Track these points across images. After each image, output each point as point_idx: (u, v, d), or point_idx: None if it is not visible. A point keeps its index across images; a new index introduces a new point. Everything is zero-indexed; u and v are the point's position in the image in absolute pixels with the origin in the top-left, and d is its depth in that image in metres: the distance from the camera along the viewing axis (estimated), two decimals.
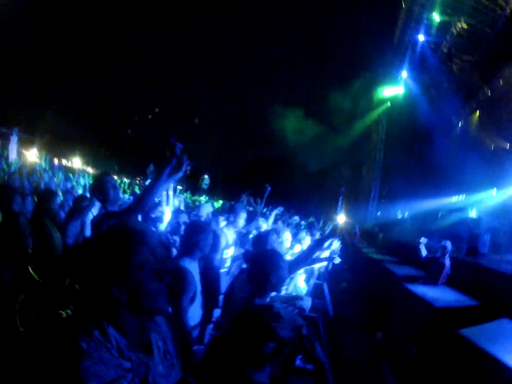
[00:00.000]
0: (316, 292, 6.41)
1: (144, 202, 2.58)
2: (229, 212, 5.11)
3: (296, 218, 11.45)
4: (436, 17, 13.35)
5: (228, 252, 4.40)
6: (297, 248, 5.73)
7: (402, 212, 16.73)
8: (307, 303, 3.37)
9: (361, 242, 16.65)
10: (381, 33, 15.87)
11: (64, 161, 17.28)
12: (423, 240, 7.20)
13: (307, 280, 5.29)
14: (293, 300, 2.95)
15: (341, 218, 24.06)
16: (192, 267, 2.87)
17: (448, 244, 6.67)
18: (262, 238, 3.35)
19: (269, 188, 6.79)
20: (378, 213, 21.17)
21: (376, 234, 17.65)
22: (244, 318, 1.82)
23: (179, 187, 9.01)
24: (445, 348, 3.76)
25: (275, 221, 6.76)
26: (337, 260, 6.85)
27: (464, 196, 14.19)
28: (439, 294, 5.65)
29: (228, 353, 1.70)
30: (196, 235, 2.96)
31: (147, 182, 4.36)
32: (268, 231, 3.88)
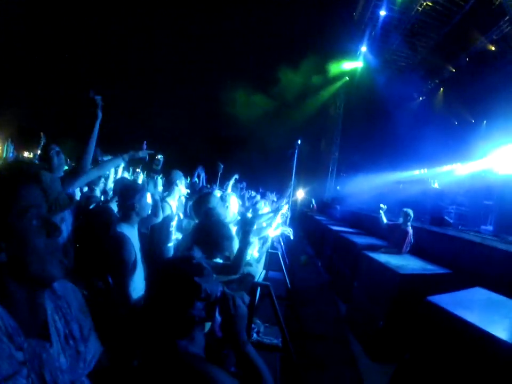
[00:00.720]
0: (272, 264, 6.26)
1: (83, 162, 2.62)
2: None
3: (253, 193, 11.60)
4: None
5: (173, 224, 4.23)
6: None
7: (362, 184, 16.78)
8: (256, 269, 3.34)
9: (319, 215, 16.57)
10: (342, 7, 15.49)
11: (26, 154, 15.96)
12: (383, 206, 7.02)
13: (260, 249, 5.09)
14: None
15: (299, 193, 24.17)
16: (131, 233, 2.70)
17: (410, 211, 6.56)
18: (202, 198, 3.37)
19: (222, 166, 6.81)
20: (338, 187, 21.32)
21: (335, 207, 17.68)
22: (163, 273, 1.52)
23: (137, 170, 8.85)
24: (414, 317, 3.48)
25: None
26: (290, 233, 6.83)
27: (426, 169, 14.44)
28: (404, 262, 5.43)
29: (153, 321, 1.46)
30: (131, 197, 2.83)
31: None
32: (207, 192, 3.90)
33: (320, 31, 16.36)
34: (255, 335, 3.97)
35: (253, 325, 3.94)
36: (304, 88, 19.55)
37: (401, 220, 6.60)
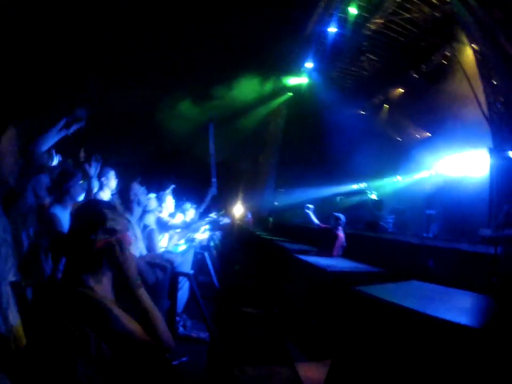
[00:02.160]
0: (204, 268, 6.50)
1: None
2: None
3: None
4: (353, 10, 13.25)
5: None
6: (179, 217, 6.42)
7: (299, 199, 17.16)
8: (176, 258, 3.43)
9: (254, 227, 16.76)
10: (291, 22, 15.64)
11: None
12: (310, 206, 7.17)
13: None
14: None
15: (237, 207, 24.28)
16: (63, 215, 2.91)
17: (341, 215, 6.68)
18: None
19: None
20: (276, 203, 21.63)
21: (268, 220, 17.97)
22: (78, 209, 1.67)
23: None
24: (346, 312, 3.54)
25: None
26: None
27: (365, 184, 14.94)
28: (334, 263, 5.43)
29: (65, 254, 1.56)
30: (66, 183, 3.10)
31: None
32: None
33: (265, 45, 16.34)
34: (181, 328, 3.93)
35: (178, 318, 3.91)
36: (245, 102, 19.45)
37: (331, 223, 6.68)
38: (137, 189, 3.53)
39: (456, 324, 2.20)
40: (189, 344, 3.65)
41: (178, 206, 6.96)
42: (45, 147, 3.51)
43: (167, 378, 1.58)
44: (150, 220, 4.16)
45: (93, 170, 3.80)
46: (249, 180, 23.73)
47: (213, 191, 7.49)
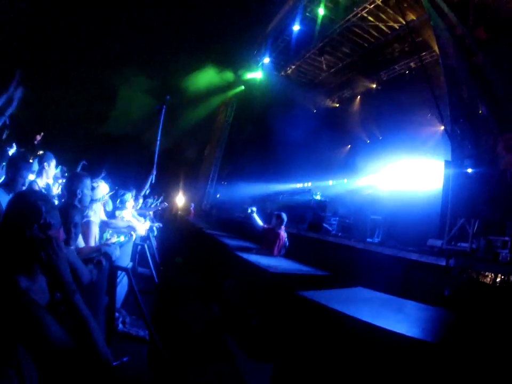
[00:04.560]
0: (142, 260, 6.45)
1: None
2: None
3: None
4: (321, 11, 13.21)
5: None
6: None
7: (242, 193, 17.19)
8: (115, 251, 3.29)
9: (196, 220, 16.57)
10: (255, 16, 15.31)
11: None
12: (254, 209, 7.15)
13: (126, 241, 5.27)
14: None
15: (180, 198, 23.89)
16: (4, 198, 3.01)
17: (283, 214, 6.61)
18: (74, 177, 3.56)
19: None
20: (218, 195, 21.52)
21: (210, 213, 17.87)
22: (12, 200, 1.56)
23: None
24: (288, 316, 3.43)
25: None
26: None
27: (310, 183, 15.11)
28: (276, 263, 5.34)
29: None
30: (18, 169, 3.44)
31: None
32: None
33: (225, 36, 15.97)
34: (120, 325, 3.78)
35: (117, 314, 3.76)
36: (197, 91, 19.02)
37: (273, 222, 6.63)
38: (81, 178, 3.40)
39: (410, 338, 2.16)
40: (128, 342, 3.52)
41: (118, 196, 6.66)
42: None
43: None
44: (96, 209, 3.97)
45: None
46: (193, 170, 23.43)
47: (151, 178, 7.31)
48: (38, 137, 7.60)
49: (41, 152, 5.72)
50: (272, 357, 3.57)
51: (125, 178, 9.43)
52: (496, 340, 2.41)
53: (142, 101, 17.75)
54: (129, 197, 6.50)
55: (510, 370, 1.98)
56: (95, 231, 3.84)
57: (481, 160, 6.95)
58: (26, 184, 3.76)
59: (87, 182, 3.43)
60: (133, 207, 7.13)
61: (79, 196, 3.27)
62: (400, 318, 2.62)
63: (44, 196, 1.64)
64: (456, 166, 7.20)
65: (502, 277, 4.96)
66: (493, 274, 5.06)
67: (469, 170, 6.93)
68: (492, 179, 6.62)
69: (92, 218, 3.78)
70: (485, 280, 5.13)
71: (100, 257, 2.99)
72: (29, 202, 1.47)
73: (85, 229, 3.56)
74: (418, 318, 2.78)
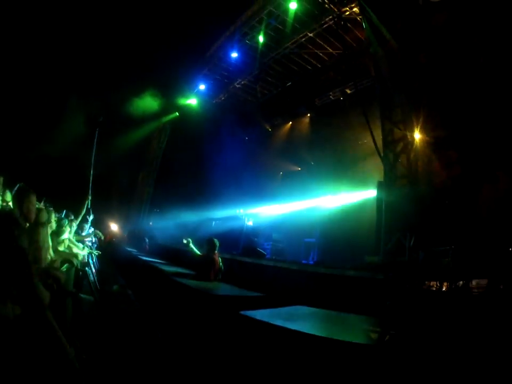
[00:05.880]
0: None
1: None
2: None
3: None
4: (261, 39, 13.39)
5: None
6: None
7: (174, 220, 17.19)
8: (62, 276, 3.37)
9: (130, 246, 16.31)
10: (194, 43, 15.16)
11: None
12: (188, 240, 7.12)
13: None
14: None
15: (113, 224, 23.14)
16: None
17: (215, 240, 6.78)
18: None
19: None
20: (151, 223, 21.21)
21: (144, 240, 17.66)
22: None
23: None
24: (232, 332, 3.51)
25: None
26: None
27: (242, 210, 15.29)
28: (213, 287, 5.59)
29: None
30: None
31: None
32: None
33: (162, 61, 15.86)
34: None
35: None
36: (132, 115, 18.58)
37: (206, 248, 6.81)
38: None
39: (354, 343, 2.33)
40: None
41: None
42: None
43: None
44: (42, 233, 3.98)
45: None
46: (127, 196, 22.84)
47: (87, 203, 7.22)
48: None
49: None
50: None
51: (62, 201, 9.20)
52: (432, 342, 2.64)
53: (77, 122, 17.17)
54: (66, 222, 6.48)
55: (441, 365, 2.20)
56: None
57: (414, 178, 7.52)
58: None
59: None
60: (69, 232, 7.08)
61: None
62: (341, 329, 2.87)
63: (13, 218, 1.77)
64: (388, 187, 7.70)
65: (448, 284, 5.05)
66: (438, 283, 5.16)
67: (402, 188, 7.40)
68: (426, 195, 7.04)
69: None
70: (430, 288, 5.24)
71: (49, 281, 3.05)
72: (3, 225, 1.51)
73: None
74: (359, 327, 3.03)
